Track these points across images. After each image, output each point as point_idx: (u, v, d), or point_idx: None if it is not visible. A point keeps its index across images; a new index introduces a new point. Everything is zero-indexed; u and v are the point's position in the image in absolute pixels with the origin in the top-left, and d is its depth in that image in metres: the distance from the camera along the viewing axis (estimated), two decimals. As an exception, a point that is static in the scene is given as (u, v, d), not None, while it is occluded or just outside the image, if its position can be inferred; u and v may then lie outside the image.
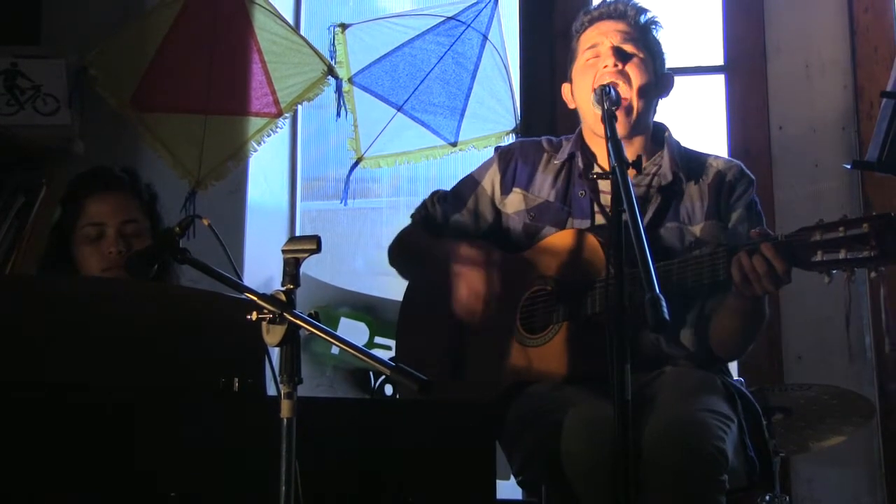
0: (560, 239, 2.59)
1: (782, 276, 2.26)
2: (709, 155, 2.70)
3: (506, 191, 2.74)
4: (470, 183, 2.81)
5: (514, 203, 2.72)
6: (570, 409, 2.31)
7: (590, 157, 2.68)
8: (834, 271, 2.18)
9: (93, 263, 2.75)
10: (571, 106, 2.73)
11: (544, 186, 2.70)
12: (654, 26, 2.68)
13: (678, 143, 2.69)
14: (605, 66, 2.58)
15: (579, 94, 2.65)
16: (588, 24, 2.67)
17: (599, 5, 2.70)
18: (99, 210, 2.79)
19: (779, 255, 2.24)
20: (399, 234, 2.89)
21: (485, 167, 2.81)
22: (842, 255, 2.15)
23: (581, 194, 2.64)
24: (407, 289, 2.89)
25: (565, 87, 2.74)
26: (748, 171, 2.66)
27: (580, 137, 2.72)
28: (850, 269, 2.16)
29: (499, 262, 2.61)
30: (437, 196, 2.86)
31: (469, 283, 2.57)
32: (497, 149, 2.86)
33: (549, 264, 2.58)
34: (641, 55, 2.61)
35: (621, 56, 2.59)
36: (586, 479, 2.22)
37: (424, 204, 2.88)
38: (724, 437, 2.26)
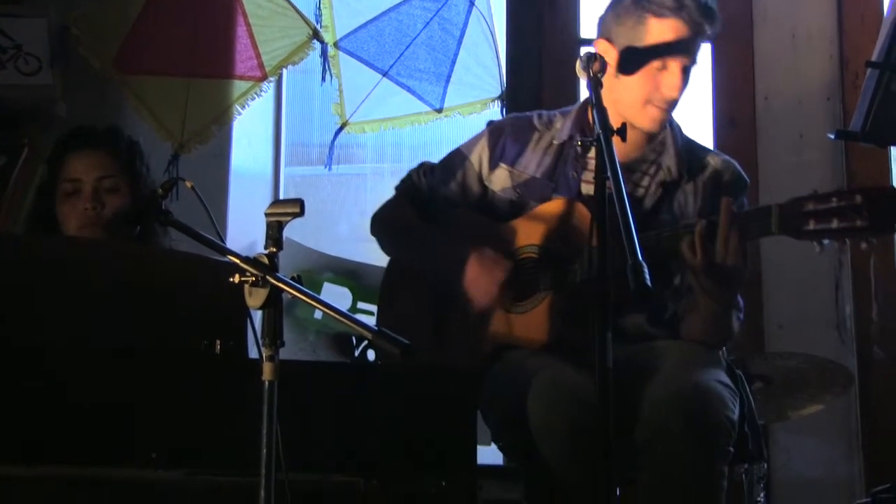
0: (549, 208, 2.59)
1: (731, 252, 2.27)
2: (708, 150, 2.70)
3: (493, 166, 2.72)
4: (458, 156, 2.78)
5: (500, 179, 2.70)
6: (539, 374, 2.33)
7: (590, 137, 2.64)
8: (826, 241, 2.20)
9: (71, 220, 2.74)
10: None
11: (531, 163, 2.68)
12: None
13: (680, 130, 2.67)
14: (670, 88, 2.51)
15: (628, 92, 2.53)
16: (670, 13, 2.49)
17: None
18: (76, 166, 2.77)
19: (734, 228, 2.26)
20: (383, 206, 2.86)
21: (474, 141, 2.78)
22: (834, 224, 2.18)
23: (573, 175, 2.62)
24: (391, 259, 2.88)
25: (601, 46, 2.57)
26: (744, 173, 2.66)
27: (583, 113, 2.66)
28: (841, 238, 2.18)
29: (490, 235, 2.60)
30: (424, 168, 2.84)
31: (476, 283, 2.54)
32: (489, 123, 2.83)
33: (537, 232, 2.58)
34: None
35: (685, 77, 2.53)
36: (550, 443, 2.25)
37: (410, 175, 2.85)
38: (733, 408, 2.29)
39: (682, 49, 2.51)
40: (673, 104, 2.56)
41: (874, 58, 2.53)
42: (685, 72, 2.53)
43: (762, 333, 3.64)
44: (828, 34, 3.75)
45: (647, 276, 1.87)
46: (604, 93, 2.21)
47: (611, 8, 2.60)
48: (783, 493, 3.58)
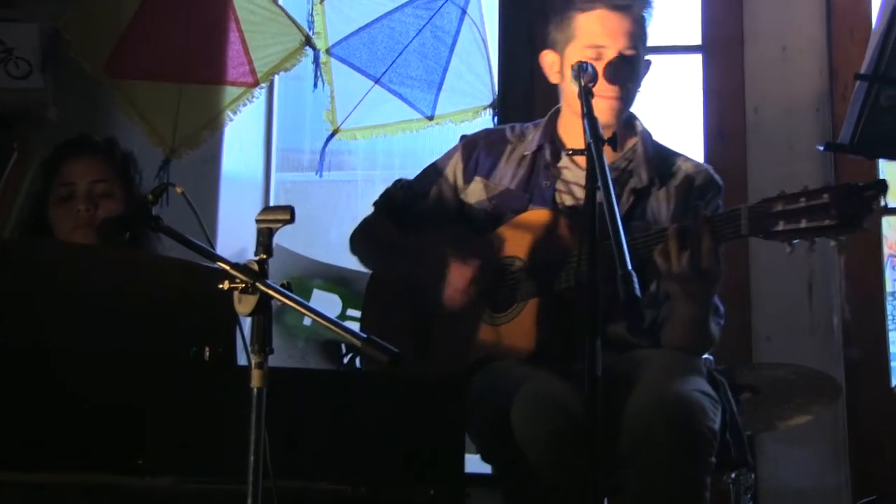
0: (533, 217, 2.60)
1: (705, 255, 2.28)
2: (678, 155, 2.69)
3: (468, 180, 2.73)
4: (433, 172, 2.80)
5: (475, 192, 2.72)
6: (523, 385, 2.33)
7: (559, 147, 2.66)
8: (796, 241, 2.21)
9: (64, 224, 2.75)
10: (554, 80, 2.68)
11: (506, 175, 2.69)
12: (649, 17, 2.61)
13: (650, 136, 2.67)
14: (610, 75, 2.52)
15: (574, 92, 2.48)
16: (594, 3, 2.55)
17: None
18: (71, 171, 2.79)
19: (706, 231, 2.27)
20: (361, 223, 2.88)
21: (448, 156, 2.80)
22: (803, 224, 2.19)
23: (546, 185, 2.64)
24: (373, 272, 2.89)
25: (548, 57, 2.66)
26: (717, 177, 2.66)
27: (552, 123, 2.70)
28: (811, 238, 2.20)
29: (475, 246, 2.61)
30: (400, 184, 2.86)
31: (455, 286, 2.55)
32: (462, 137, 2.85)
33: (517, 242, 2.59)
34: (640, 55, 2.58)
35: (625, 64, 2.54)
36: (534, 453, 2.25)
37: (387, 192, 2.88)
38: (715, 419, 2.30)
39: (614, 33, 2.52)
40: (622, 93, 2.55)
41: (863, 70, 2.54)
42: (623, 61, 2.54)
43: (749, 344, 3.65)
44: (817, 46, 3.76)
45: (637, 287, 1.88)
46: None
47: (549, 18, 2.67)
48: (770, 503, 3.58)
